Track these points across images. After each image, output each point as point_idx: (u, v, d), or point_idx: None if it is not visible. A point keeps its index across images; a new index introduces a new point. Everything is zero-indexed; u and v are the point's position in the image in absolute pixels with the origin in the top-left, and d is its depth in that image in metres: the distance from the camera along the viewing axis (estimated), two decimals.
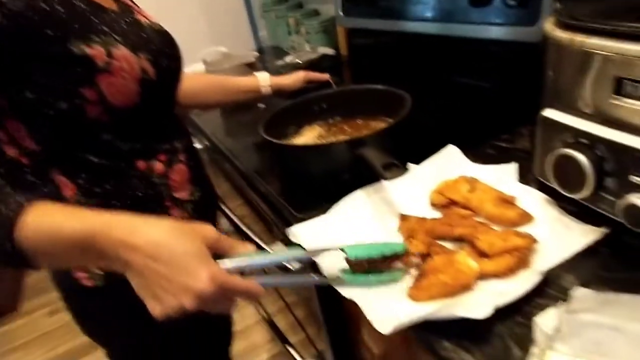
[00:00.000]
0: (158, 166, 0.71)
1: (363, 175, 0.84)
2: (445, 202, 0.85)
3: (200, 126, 1.51)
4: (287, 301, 1.34)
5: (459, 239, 0.76)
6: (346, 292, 0.68)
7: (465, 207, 0.84)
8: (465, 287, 0.65)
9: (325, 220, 0.85)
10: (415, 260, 0.72)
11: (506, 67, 1.28)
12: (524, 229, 0.75)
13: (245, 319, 1.87)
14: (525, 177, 0.84)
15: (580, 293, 0.59)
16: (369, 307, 0.64)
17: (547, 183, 0.74)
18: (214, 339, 0.97)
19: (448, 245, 0.76)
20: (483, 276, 0.67)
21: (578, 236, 0.71)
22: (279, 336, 1.29)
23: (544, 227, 0.75)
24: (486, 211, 0.80)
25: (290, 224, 0.83)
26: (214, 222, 0.91)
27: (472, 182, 0.85)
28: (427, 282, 0.66)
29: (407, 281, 0.70)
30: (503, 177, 0.84)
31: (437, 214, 0.80)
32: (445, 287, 0.65)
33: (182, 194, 0.76)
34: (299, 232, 0.83)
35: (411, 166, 0.96)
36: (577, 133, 0.71)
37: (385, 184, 0.90)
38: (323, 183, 0.93)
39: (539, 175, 0.77)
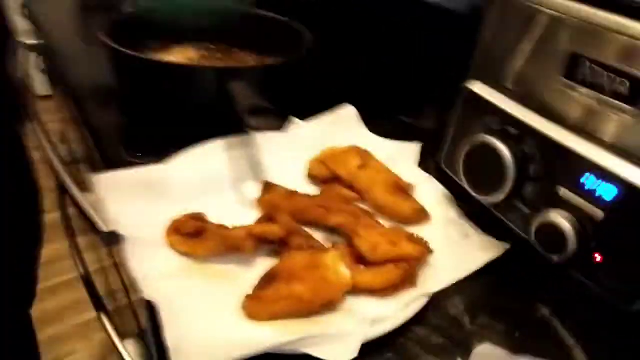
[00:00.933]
0: None
1: (231, 121, 0.58)
2: (326, 176, 0.65)
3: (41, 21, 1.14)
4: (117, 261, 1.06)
5: (333, 230, 0.56)
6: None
7: (350, 187, 0.64)
8: (327, 305, 0.45)
9: (155, 173, 0.60)
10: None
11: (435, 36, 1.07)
12: (415, 229, 0.57)
13: (58, 275, 1.55)
14: (425, 163, 0.66)
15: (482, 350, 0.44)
16: (174, 332, 0.42)
17: (452, 176, 0.57)
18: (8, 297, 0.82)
19: (318, 236, 0.56)
20: (355, 290, 0.48)
21: (477, 250, 0.56)
22: (95, 301, 1.02)
23: (439, 231, 0.58)
24: (375, 197, 0.61)
25: (110, 166, 0.57)
26: None
27: (365, 157, 0.66)
28: (273, 292, 0.45)
29: (245, 285, 0.48)
30: (402, 157, 0.66)
31: (313, 190, 0.59)
32: (298, 304, 0.45)
33: None
34: (106, 183, 0.56)
35: (294, 122, 0.74)
36: (505, 118, 0.54)
37: (255, 138, 0.67)
38: (176, 119, 0.67)
39: (444, 164, 0.59)
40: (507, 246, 0.55)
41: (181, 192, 0.59)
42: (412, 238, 0.52)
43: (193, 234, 0.52)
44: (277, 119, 0.62)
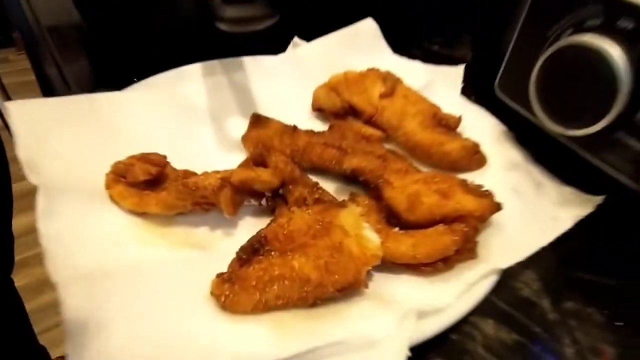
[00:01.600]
0: None
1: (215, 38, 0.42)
2: (338, 109, 0.48)
3: None
4: None
5: (350, 177, 0.39)
6: None
7: (371, 123, 0.47)
8: (345, 290, 0.29)
9: (98, 102, 0.42)
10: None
11: None
12: (469, 177, 0.40)
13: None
14: (468, 92, 0.48)
15: None
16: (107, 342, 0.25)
17: (513, 105, 0.39)
18: None
19: (328, 187, 0.39)
20: (387, 264, 0.31)
21: (556, 205, 0.39)
22: None
23: (500, 179, 0.41)
24: (408, 134, 0.44)
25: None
26: None
27: (391, 81, 0.48)
28: (260, 269, 0.29)
29: (223, 260, 0.31)
30: (440, 84, 0.48)
31: (319, 126, 0.41)
32: (300, 288, 0.28)
33: None
34: (24, 114, 0.38)
35: (297, 43, 0.56)
36: (612, 5, 0.37)
37: (244, 61, 0.50)
38: (151, 40, 0.52)
39: (500, 89, 0.41)
40: (600, 200, 0.40)
41: (135, 127, 0.42)
42: (469, 187, 0.35)
43: (146, 184, 0.35)
44: (266, 11, 0.43)
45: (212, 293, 0.29)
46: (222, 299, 0.28)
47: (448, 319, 0.29)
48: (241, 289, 0.28)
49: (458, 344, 0.32)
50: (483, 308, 0.35)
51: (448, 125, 0.45)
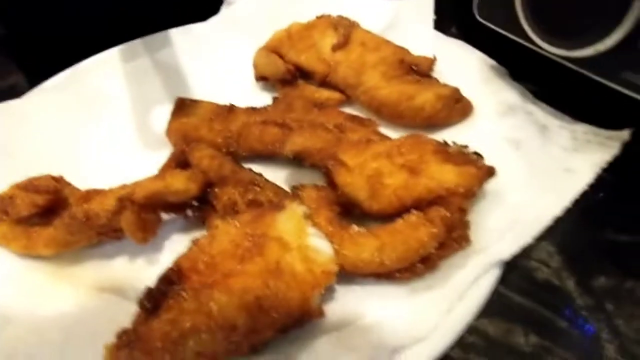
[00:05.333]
0: None
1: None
2: (285, 72, 0.38)
3: None
4: None
5: (297, 158, 0.31)
6: None
7: (326, 83, 0.38)
8: (290, 327, 0.21)
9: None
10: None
11: None
12: (449, 133, 0.31)
13: None
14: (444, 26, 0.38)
15: None
16: None
17: (499, 29, 0.28)
18: None
19: (278, 177, 0.31)
20: (349, 273, 0.23)
21: (567, 152, 0.30)
22: None
23: (492, 129, 0.32)
24: (370, 89, 0.35)
25: None
26: None
27: (344, 27, 0.39)
28: (169, 322, 0.21)
29: None
30: (407, 20, 0.38)
31: (266, 100, 0.32)
32: (224, 339, 0.20)
33: None
34: None
35: (229, 1, 0.47)
36: None
37: (170, 35, 0.42)
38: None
39: (480, 14, 0.30)
40: (626, 135, 0.31)
41: (35, 139, 0.34)
42: (447, 152, 0.26)
43: (39, 216, 0.28)
44: None
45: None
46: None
47: (434, 349, 0.21)
48: (143, 354, 0.20)
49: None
50: (489, 304, 0.27)
51: (419, 71, 0.35)
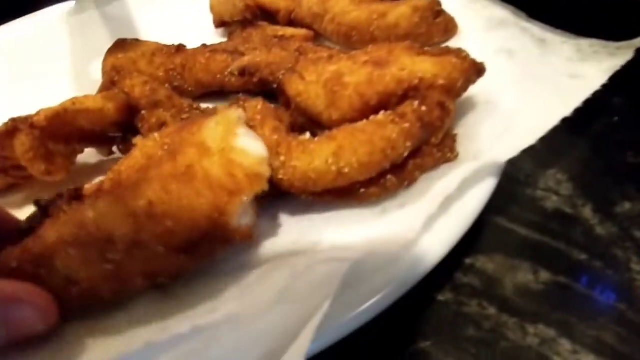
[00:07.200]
0: None
1: None
2: (243, 10, 0.34)
3: None
4: None
5: (262, 92, 0.26)
6: None
7: (292, 22, 0.33)
8: (198, 243, 0.16)
9: None
10: None
11: None
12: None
13: None
14: None
15: None
16: None
17: None
18: None
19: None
20: (297, 191, 0.18)
21: (572, 63, 0.25)
22: None
23: (483, 43, 0.27)
24: (339, 15, 0.30)
25: None
26: None
27: None
28: (32, 242, 0.16)
29: None
30: None
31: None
32: (98, 255, 0.15)
33: None
34: None
35: None
36: None
37: None
38: None
39: None
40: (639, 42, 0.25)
41: None
42: (422, 50, 0.21)
43: None
44: None
45: None
46: None
47: (404, 282, 0.16)
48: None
49: (449, 306, 0.19)
50: (487, 240, 0.21)
51: None
